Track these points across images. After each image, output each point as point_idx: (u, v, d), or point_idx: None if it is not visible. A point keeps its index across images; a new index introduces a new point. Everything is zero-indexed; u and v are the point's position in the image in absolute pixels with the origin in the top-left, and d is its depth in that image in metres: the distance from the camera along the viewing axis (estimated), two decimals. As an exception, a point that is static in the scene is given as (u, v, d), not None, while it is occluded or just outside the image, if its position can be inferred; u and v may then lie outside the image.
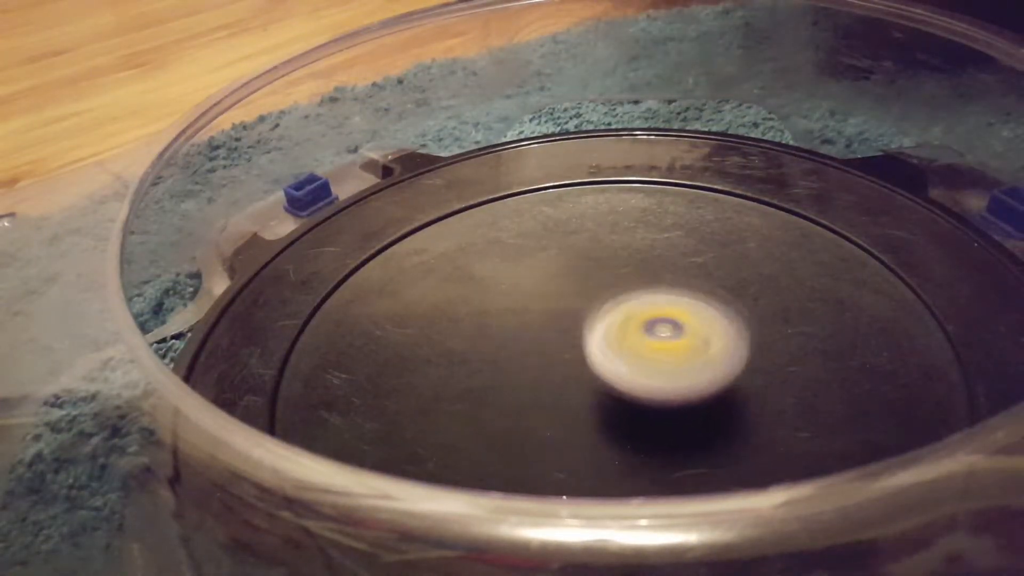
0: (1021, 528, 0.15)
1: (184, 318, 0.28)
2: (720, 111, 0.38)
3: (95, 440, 0.23)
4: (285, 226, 0.31)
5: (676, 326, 0.21)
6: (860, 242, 0.27)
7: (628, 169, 0.32)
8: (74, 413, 0.23)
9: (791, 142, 0.36)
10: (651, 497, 0.14)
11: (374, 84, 0.43)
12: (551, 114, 0.40)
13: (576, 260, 0.28)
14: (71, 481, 0.22)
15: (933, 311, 0.24)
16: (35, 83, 0.49)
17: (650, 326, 0.21)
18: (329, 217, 0.31)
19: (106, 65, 0.51)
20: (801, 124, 0.37)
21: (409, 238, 0.29)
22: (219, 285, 0.29)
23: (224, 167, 0.37)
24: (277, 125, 0.40)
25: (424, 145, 0.38)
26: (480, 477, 0.21)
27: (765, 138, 0.36)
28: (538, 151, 0.34)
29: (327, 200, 0.33)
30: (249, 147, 0.39)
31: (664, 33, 0.46)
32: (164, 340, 0.28)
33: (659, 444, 0.21)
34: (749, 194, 0.30)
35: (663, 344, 0.21)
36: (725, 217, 0.29)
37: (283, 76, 0.34)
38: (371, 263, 0.28)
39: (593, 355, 0.21)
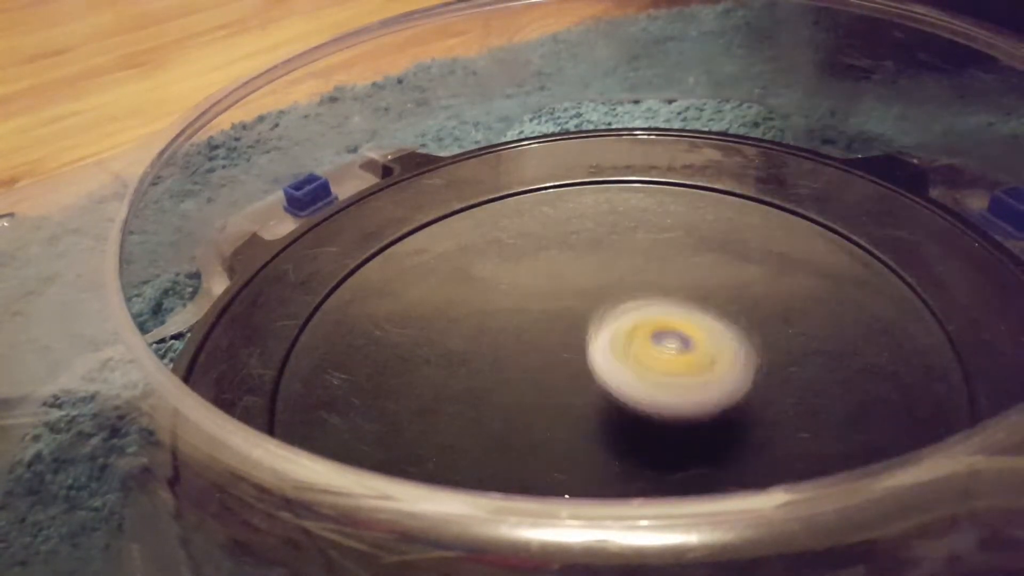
0: (1022, 528, 0.15)
1: (183, 318, 0.28)
2: (721, 111, 0.38)
3: (94, 440, 0.22)
4: (285, 226, 0.31)
5: (684, 340, 0.21)
6: (861, 242, 0.27)
7: (628, 169, 0.32)
8: (73, 413, 0.23)
9: (792, 142, 0.36)
10: (651, 497, 0.14)
11: (374, 84, 0.43)
12: (551, 114, 0.40)
13: (576, 260, 0.28)
14: (70, 482, 0.22)
15: (934, 311, 0.24)
16: (34, 82, 0.49)
17: (658, 338, 0.21)
18: (329, 217, 0.31)
19: (105, 64, 0.51)
20: (802, 124, 0.37)
21: (409, 238, 0.29)
22: (218, 285, 0.29)
23: (223, 167, 0.37)
24: (276, 125, 0.40)
25: (424, 145, 0.38)
26: (480, 478, 0.21)
27: (766, 138, 0.36)
28: (538, 151, 0.34)
29: (327, 200, 0.33)
30: (248, 147, 0.38)
31: (665, 32, 0.46)
32: (163, 340, 0.28)
33: (659, 445, 0.21)
34: (750, 194, 0.30)
35: (670, 356, 0.20)
36: (726, 217, 0.29)
37: (282, 76, 0.34)
38: (371, 263, 0.28)
39: (597, 362, 0.20)
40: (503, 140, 0.38)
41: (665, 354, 0.20)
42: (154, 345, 0.27)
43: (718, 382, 0.20)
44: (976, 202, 0.29)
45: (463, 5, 0.38)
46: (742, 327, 0.21)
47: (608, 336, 0.21)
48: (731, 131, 0.37)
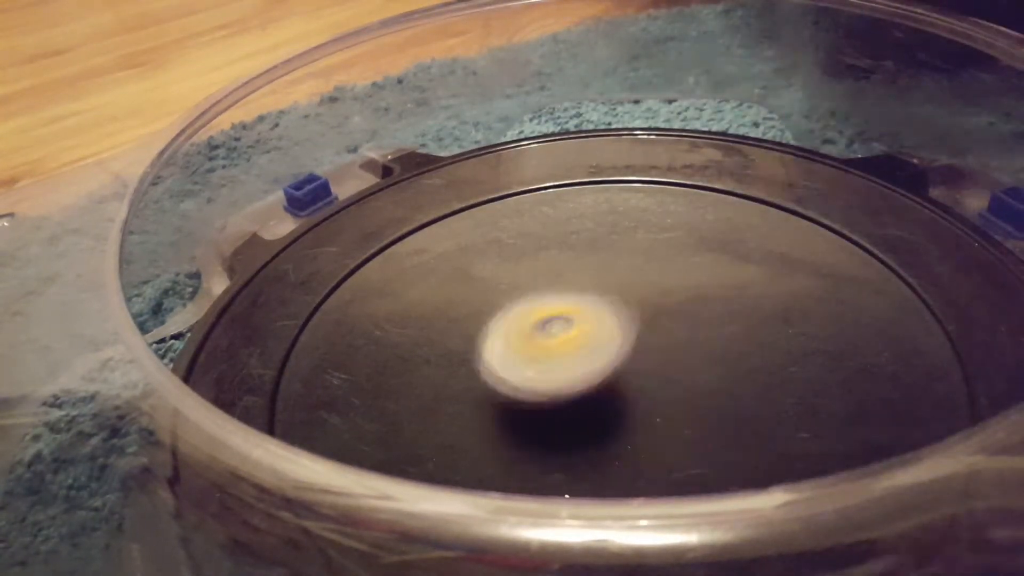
0: (1022, 528, 0.15)
1: (183, 318, 0.28)
2: (720, 111, 0.38)
3: (94, 440, 0.22)
4: (285, 226, 0.31)
5: (567, 322, 0.22)
6: (860, 242, 0.27)
7: (628, 169, 0.32)
8: (73, 413, 0.23)
9: (792, 142, 0.36)
10: (651, 497, 0.14)
11: (374, 84, 0.43)
12: (551, 114, 0.40)
13: (576, 260, 0.28)
14: (70, 481, 0.22)
15: (933, 311, 0.24)
16: (34, 83, 0.49)
17: (543, 325, 0.22)
18: (329, 217, 0.31)
19: (105, 65, 0.51)
20: (802, 124, 0.37)
21: (409, 238, 0.29)
22: (218, 285, 0.29)
23: (223, 167, 0.37)
24: (276, 125, 0.40)
25: (424, 145, 0.38)
26: (480, 477, 0.21)
27: (766, 138, 0.36)
28: (538, 151, 0.34)
29: (327, 200, 0.33)
30: (248, 147, 0.39)
31: (665, 32, 0.46)
32: (163, 340, 0.28)
33: (660, 445, 0.21)
34: (749, 194, 0.30)
35: (550, 340, 0.21)
36: (725, 217, 0.29)
37: (283, 76, 0.34)
38: (371, 263, 0.28)
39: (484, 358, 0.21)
40: (503, 140, 0.38)
41: (546, 339, 0.21)
42: (154, 345, 0.27)
43: (590, 356, 0.21)
44: (976, 202, 0.29)
45: (463, 5, 0.38)
46: (629, 307, 0.22)
47: (497, 330, 0.22)
48: (731, 131, 0.37)
